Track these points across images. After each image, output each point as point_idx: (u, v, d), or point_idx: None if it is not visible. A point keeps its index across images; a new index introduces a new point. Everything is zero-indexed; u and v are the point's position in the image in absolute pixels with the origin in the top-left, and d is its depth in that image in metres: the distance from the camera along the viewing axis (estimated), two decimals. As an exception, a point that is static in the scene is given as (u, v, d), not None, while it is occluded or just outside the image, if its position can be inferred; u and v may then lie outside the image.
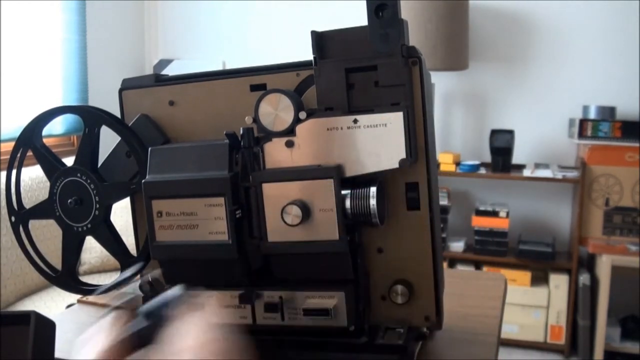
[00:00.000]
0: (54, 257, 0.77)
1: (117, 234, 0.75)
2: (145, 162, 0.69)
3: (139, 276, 0.76)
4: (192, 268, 0.69)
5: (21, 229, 0.79)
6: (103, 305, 0.89)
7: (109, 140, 0.79)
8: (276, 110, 0.65)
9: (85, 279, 0.81)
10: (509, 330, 2.61)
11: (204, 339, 0.42)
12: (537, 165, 2.76)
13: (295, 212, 0.63)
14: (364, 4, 0.63)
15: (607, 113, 2.60)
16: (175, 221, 0.67)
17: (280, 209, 0.63)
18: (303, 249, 0.64)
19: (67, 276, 0.77)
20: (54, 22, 2.57)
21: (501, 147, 2.65)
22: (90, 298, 0.90)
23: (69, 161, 0.76)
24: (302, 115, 0.65)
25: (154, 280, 0.75)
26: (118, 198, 0.73)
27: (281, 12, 3.07)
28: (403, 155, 0.62)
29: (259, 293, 0.68)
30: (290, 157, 0.65)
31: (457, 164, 2.73)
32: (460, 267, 2.70)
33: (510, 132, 2.65)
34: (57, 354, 0.73)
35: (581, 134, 2.56)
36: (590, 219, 2.59)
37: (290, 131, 0.65)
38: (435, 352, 0.72)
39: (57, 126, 2.58)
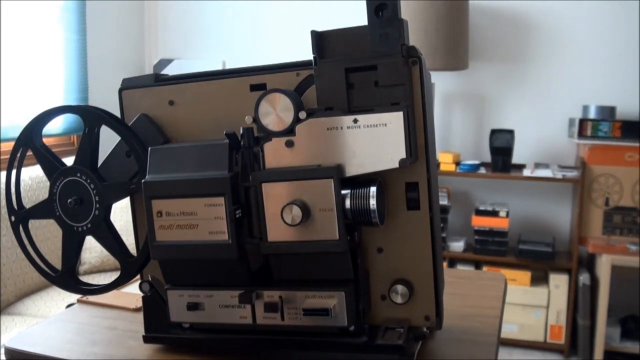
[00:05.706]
0: (54, 257, 0.77)
1: (117, 234, 0.75)
2: (145, 162, 0.69)
3: (138, 276, 0.76)
4: (192, 268, 0.69)
5: (21, 228, 0.79)
6: (103, 305, 0.89)
7: (109, 140, 0.79)
8: (276, 110, 0.65)
9: (85, 279, 0.81)
10: (508, 330, 2.60)
11: None
12: (537, 165, 2.75)
13: (295, 212, 0.63)
14: (364, 4, 0.63)
15: (607, 113, 2.60)
16: (175, 221, 0.67)
17: (280, 209, 0.63)
18: (303, 248, 0.64)
19: (67, 276, 0.77)
20: (54, 22, 2.57)
21: (501, 147, 2.65)
22: (90, 298, 0.90)
23: (69, 161, 0.75)
24: (302, 115, 0.65)
25: (154, 280, 0.75)
26: (118, 198, 0.73)
27: (281, 12, 3.06)
28: (403, 155, 0.62)
29: (259, 293, 0.68)
30: (290, 157, 0.65)
31: (457, 163, 2.73)
32: (460, 267, 2.69)
33: (510, 132, 2.65)
34: (57, 354, 0.74)
35: (581, 134, 2.56)
36: (590, 219, 2.58)
37: (290, 131, 0.65)
38: (435, 352, 0.72)
39: (57, 126, 2.58)
